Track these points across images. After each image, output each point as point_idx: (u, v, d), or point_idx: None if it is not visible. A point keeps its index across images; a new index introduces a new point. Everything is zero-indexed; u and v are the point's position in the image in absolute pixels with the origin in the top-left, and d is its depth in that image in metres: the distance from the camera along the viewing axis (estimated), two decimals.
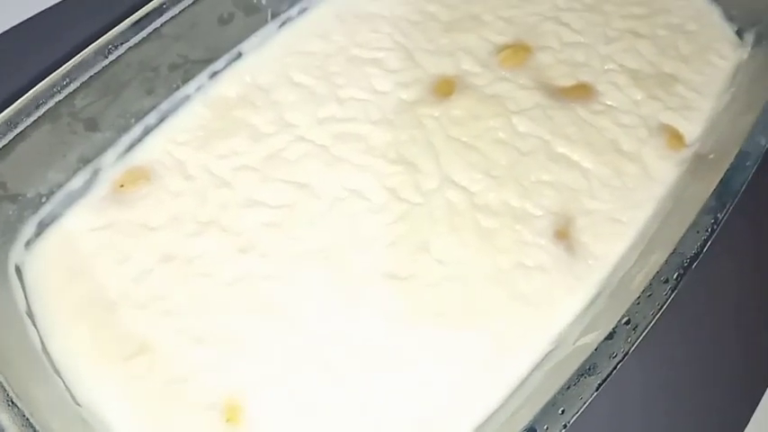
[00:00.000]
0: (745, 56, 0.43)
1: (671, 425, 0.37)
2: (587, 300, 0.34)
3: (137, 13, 0.34)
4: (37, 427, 0.24)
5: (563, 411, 0.26)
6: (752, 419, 0.38)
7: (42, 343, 0.31)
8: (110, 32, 0.33)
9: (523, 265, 0.35)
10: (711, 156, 0.37)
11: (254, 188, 0.37)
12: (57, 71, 0.32)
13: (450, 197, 0.37)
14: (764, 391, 0.39)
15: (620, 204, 0.37)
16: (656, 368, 0.37)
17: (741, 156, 0.33)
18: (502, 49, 0.42)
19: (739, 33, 0.44)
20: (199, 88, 0.39)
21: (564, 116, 0.40)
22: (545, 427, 0.25)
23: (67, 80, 0.32)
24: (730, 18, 0.45)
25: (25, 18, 0.47)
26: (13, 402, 0.24)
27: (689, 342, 0.38)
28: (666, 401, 0.37)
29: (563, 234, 0.36)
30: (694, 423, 0.37)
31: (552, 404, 0.26)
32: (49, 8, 0.48)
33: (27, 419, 0.24)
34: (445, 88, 0.40)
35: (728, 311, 0.40)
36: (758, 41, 0.43)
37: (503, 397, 0.31)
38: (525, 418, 0.26)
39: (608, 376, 0.27)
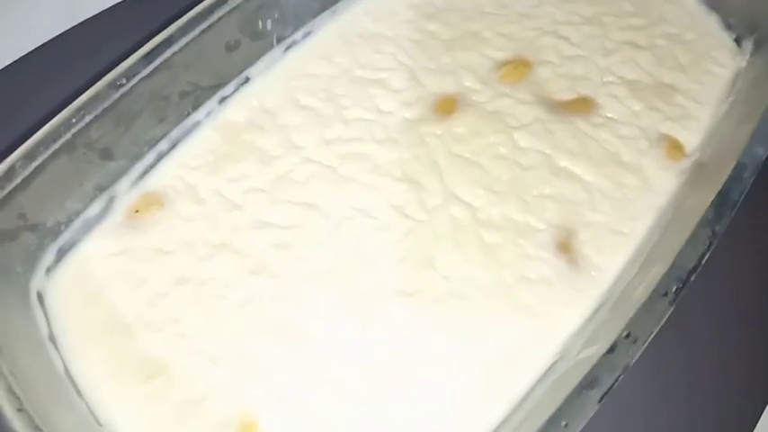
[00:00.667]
0: (744, 63, 0.43)
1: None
2: (590, 312, 0.35)
3: (146, 45, 0.35)
4: None
5: (566, 425, 0.26)
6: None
7: (65, 366, 0.32)
8: (121, 65, 0.34)
9: (527, 278, 0.36)
10: (710, 166, 0.38)
11: (263, 210, 0.38)
12: (71, 104, 0.33)
13: (454, 213, 0.38)
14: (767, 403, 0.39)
15: (621, 216, 0.38)
16: (657, 380, 0.38)
17: (739, 167, 0.34)
18: (502, 65, 0.43)
19: (738, 41, 0.45)
20: (208, 114, 0.40)
21: (564, 130, 0.41)
22: None
23: (82, 113, 0.33)
24: (728, 26, 0.45)
25: (37, 46, 0.49)
26: (38, 428, 0.25)
27: (690, 354, 0.39)
28: (668, 413, 0.37)
29: (565, 247, 0.37)
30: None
31: (556, 418, 0.27)
32: (58, 38, 0.49)
33: None
34: (447, 106, 0.41)
35: (730, 322, 0.40)
36: (756, 49, 0.43)
37: (507, 409, 0.32)
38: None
39: (609, 389, 0.27)
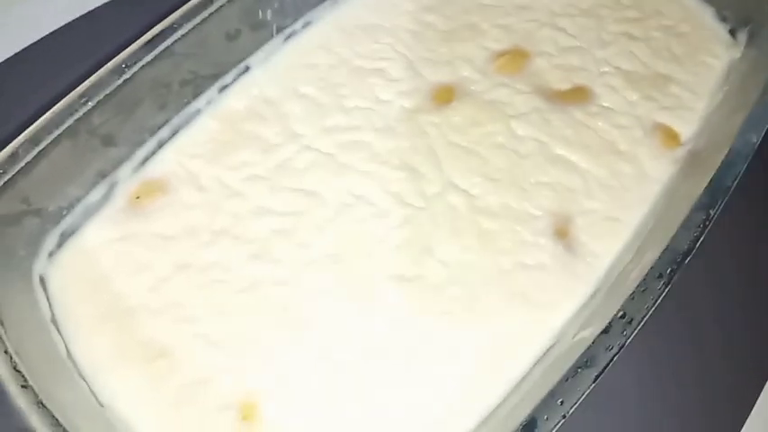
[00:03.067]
0: (738, 55, 0.44)
1: (668, 418, 0.38)
2: (586, 296, 0.35)
3: (148, 33, 0.36)
4: (66, 427, 0.25)
5: (562, 402, 0.27)
6: (752, 413, 0.39)
7: (67, 349, 0.32)
8: (123, 52, 0.35)
9: (524, 264, 0.37)
10: (704, 154, 0.38)
11: (264, 197, 0.38)
12: (74, 90, 0.33)
13: (451, 201, 0.38)
14: (764, 383, 0.40)
15: (617, 204, 0.39)
16: (653, 362, 0.38)
17: (732, 153, 0.34)
18: (499, 55, 0.43)
19: (732, 33, 0.45)
20: (209, 102, 0.40)
21: (561, 119, 0.41)
22: (545, 417, 0.27)
23: (85, 99, 0.33)
24: (723, 18, 0.46)
25: (42, 36, 0.49)
26: (42, 404, 0.26)
27: (686, 336, 0.39)
28: (664, 394, 0.38)
29: (562, 233, 0.38)
30: (692, 416, 0.38)
31: (551, 396, 0.27)
32: (64, 27, 0.50)
33: (56, 419, 0.25)
34: (445, 95, 0.42)
35: (724, 305, 0.41)
36: (750, 40, 0.44)
37: (505, 392, 0.32)
38: (526, 411, 0.28)
39: (605, 368, 0.28)
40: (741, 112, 0.38)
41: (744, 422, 0.38)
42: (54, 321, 0.33)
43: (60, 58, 0.47)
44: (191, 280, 0.35)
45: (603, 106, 0.42)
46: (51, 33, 0.50)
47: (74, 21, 0.51)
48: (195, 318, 0.34)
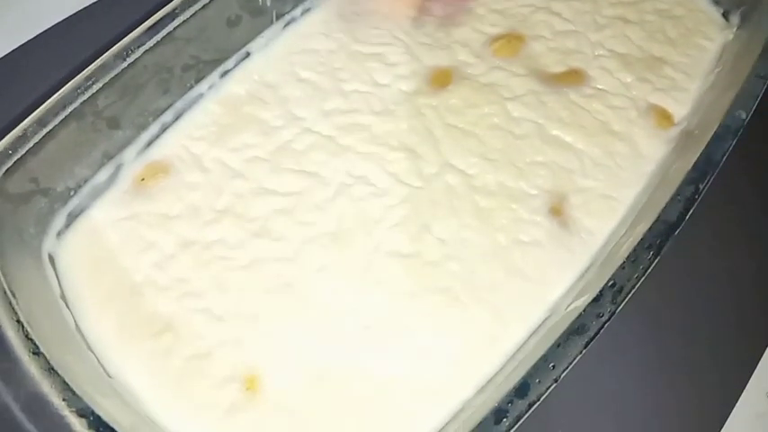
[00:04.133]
0: (731, 36, 0.45)
1: (660, 388, 0.39)
2: (580, 271, 0.36)
3: (151, 19, 0.37)
4: (76, 391, 0.26)
5: (554, 366, 0.28)
6: (749, 383, 0.40)
7: (76, 323, 0.33)
8: (127, 37, 0.36)
9: (520, 241, 0.38)
10: (696, 132, 0.39)
11: (265, 178, 0.39)
12: (80, 74, 0.34)
13: (449, 180, 0.39)
14: (763, 351, 0.40)
15: (611, 182, 0.39)
16: (644, 332, 0.39)
17: (722, 129, 0.35)
18: (495, 39, 0.44)
19: (725, 15, 0.46)
20: (211, 87, 0.41)
21: (556, 101, 0.42)
22: (537, 380, 0.27)
23: (90, 82, 0.34)
24: (716, 1, 0.47)
25: (52, 24, 0.50)
26: (53, 370, 0.27)
27: (676, 306, 0.40)
28: (658, 364, 0.39)
29: (557, 211, 0.38)
30: (684, 386, 0.39)
31: (544, 360, 0.28)
32: (71, 17, 0.51)
33: (67, 385, 0.26)
34: (442, 79, 0.43)
35: (715, 276, 0.42)
36: (743, 22, 0.45)
37: (500, 363, 0.33)
38: (519, 377, 0.28)
39: (595, 335, 0.29)
40: (731, 91, 0.38)
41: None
42: (63, 298, 0.34)
43: (66, 49, 0.48)
44: (195, 257, 0.36)
45: (598, 88, 0.43)
46: (54, 26, 0.51)
47: (75, 14, 0.52)
48: (199, 293, 0.35)
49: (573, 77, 0.43)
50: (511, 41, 0.44)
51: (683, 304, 0.41)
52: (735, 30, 0.45)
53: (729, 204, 0.43)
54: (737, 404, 0.39)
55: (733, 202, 0.43)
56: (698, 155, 0.35)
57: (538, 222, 0.38)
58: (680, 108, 0.42)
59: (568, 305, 0.33)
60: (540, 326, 0.34)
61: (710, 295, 0.41)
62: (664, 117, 0.42)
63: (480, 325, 0.35)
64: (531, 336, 0.34)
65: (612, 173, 0.40)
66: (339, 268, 0.36)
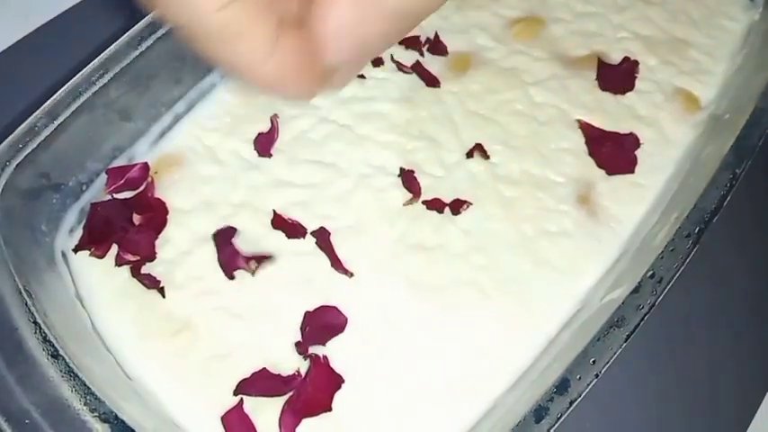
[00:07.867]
0: (757, 17, 0.43)
1: (696, 378, 0.38)
2: (611, 261, 0.35)
3: None
4: (98, 394, 0.25)
5: (594, 362, 0.27)
6: None
7: (92, 323, 0.32)
8: (138, 24, 0.35)
9: (547, 231, 0.36)
10: (727, 116, 0.38)
11: (281, 169, 0.38)
12: (91, 63, 0.33)
13: (471, 169, 0.38)
14: None
15: (639, 168, 0.38)
16: (681, 322, 0.38)
17: (757, 112, 0.34)
18: (515, 22, 0.43)
19: None
20: (224, 76, 0.40)
21: (579, 85, 0.41)
22: (578, 377, 0.26)
23: (101, 71, 0.33)
24: None
25: (58, 13, 0.49)
26: (74, 373, 0.26)
27: (715, 296, 0.39)
28: (693, 355, 0.38)
29: (585, 199, 0.37)
30: (719, 378, 0.38)
31: (584, 356, 0.27)
32: (79, 4, 0.49)
33: (88, 388, 0.25)
34: (462, 64, 0.41)
35: (753, 265, 0.41)
36: None
37: (532, 357, 0.32)
38: (557, 373, 0.27)
39: (636, 328, 0.28)
40: (762, 74, 0.37)
41: None
42: (78, 296, 0.33)
43: (77, 33, 0.47)
44: (211, 253, 0.35)
45: None
46: (63, 13, 0.50)
47: (77, 5, 0.50)
48: (216, 291, 0.34)
49: (596, 61, 0.42)
50: (530, 24, 0.43)
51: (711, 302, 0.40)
52: (761, 10, 0.43)
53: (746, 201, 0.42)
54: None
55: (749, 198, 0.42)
56: (730, 139, 0.34)
57: (565, 211, 0.37)
58: (707, 91, 0.41)
59: (603, 297, 0.32)
60: (571, 318, 0.33)
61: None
62: (690, 101, 0.41)
63: (509, 318, 0.34)
64: (563, 329, 0.33)
65: (640, 159, 0.39)
66: (360, 262, 0.35)
